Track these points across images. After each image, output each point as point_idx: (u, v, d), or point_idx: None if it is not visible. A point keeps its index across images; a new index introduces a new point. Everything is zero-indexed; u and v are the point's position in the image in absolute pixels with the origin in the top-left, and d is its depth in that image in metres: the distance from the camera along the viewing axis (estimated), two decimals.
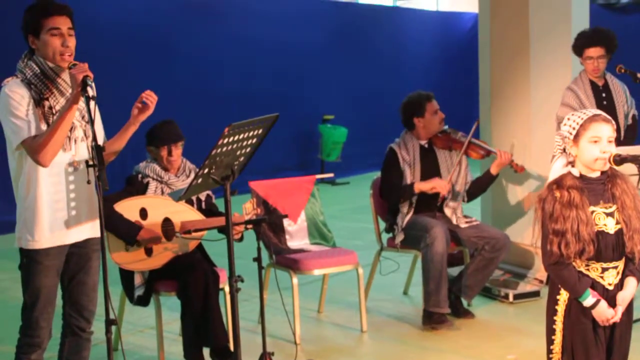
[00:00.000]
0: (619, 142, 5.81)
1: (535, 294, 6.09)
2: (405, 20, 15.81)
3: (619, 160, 3.37)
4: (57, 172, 3.63)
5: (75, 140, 3.67)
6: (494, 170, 5.83)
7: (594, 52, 5.84)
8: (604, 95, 5.96)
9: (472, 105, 11.38)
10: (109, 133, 3.89)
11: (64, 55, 3.59)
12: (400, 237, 5.76)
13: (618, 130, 5.91)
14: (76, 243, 3.73)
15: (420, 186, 5.68)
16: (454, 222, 5.79)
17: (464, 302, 5.85)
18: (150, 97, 3.69)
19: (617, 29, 6.05)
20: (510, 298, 6.05)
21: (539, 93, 6.45)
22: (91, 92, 3.44)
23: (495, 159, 5.80)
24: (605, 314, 3.36)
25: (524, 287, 6.19)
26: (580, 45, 5.88)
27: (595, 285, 3.39)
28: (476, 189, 5.95)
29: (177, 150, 4.98)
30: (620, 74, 6.03)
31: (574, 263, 3.37)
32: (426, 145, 5.88)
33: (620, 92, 6.02)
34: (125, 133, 3.79)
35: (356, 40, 14.42)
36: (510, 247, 5.76)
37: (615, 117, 5.88)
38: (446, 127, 5.92)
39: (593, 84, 5.94)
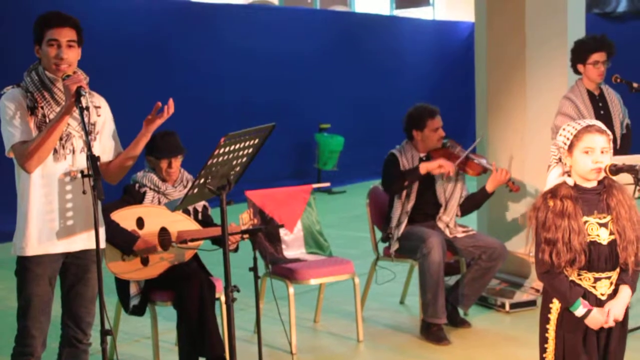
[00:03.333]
0: (615, 151, 5.81)
1: (532, 303, 6.08)
2: (402, 29, 15.83)
3: (615, 170, 3.38)
4: (49, 183, 3.65)
5: (73, 151, 3.69)
6: (489, 188, 5.80)
7: (599, 56, 5.84)
8: (600, 104, 5.96)
9: (469, 113, 11.40)
10: None
11: (59, 66, 3.63)
12: (395, 247, 5.75)
13: (615, 139, 5.92)
14: (75, 254, 3.75)
15: (427, 165, 5.65)
16: (448, 234, 5.79)
17: (461, 312, 5.85)
18: (171, 108, 3.71)
19: (613, 38, 6.05)
20: (507, 307, 6.05)
21: (535, 103, 6.46)
22: (85, 102, 3.46)
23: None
24: (598, 321, 3.36)
25: (521, 296, 6.18)
26: (586, 50, 5.86)
27: (587, 295, 3.39)
28: (470, 205, 5.94)
29: (177, 163, 4.98)
30: (617, 83, 6.04)
31: (566, 272, 3.38)
32: (424, 158, 5.87)
33: (615, 101, 6.02)
34: (137, 146, 3.81)
35: (353, 49, 14.44)
36: (507, 257, 5.75)
37: (611, 127, 5.88)
38: (446, 140, 5.91)
39: (590, 94, 5.95)
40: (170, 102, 3.69)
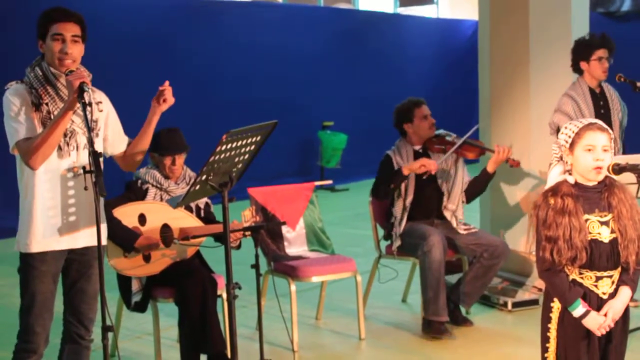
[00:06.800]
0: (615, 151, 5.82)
1: (534, 302, 6.07)
2: (406, 27, 15.82)
3: (618, 169, 3.37)
4: (53, 178, 3.65)
5: (76, 148, 3.69)
6: (490, 168, 5.77)
7: (603, 52, 5.86)
8: (601, 103, 5.96)
9: (472, 112, 11.39)
10: None
11: (63, 61, 3.63)
12: (397, 243, 5.75)
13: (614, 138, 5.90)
14: (77, 250, 3.74)
15: (410, 166, 5.64)
16: (454, 224, 5.78)
17: (463, 310, 5.84)
18: (167, 91, 3.74)
19: (617, 37, 6.06)
20: (509, 306, 6.04)
21: (539, 103, 6.44)
22: (88, 98, 3.46)
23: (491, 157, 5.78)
24: (597, 322, 3.35)
25: (523, 295, 6.18)
26: (590, 46, 5.87)
27: (589, 294, 3.38)
28: (474, 190, 5.91)
29: (180, 160, 4.99)
30: (620, 82, 6.03)
31: (567, 271, 3.37)
32: (420, 150, 5.88)
33: (615, 100, 6.03)
34: (148, 127, 3.83)
35: (356, 47, 14.43)
36: (509, 255, 5.75)
37: (611, 126, 5.88)
38: (441, 130, 5.92)
39: (592, 92, 5.94)
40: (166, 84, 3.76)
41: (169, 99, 3.76)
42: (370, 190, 5.94)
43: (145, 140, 3.87)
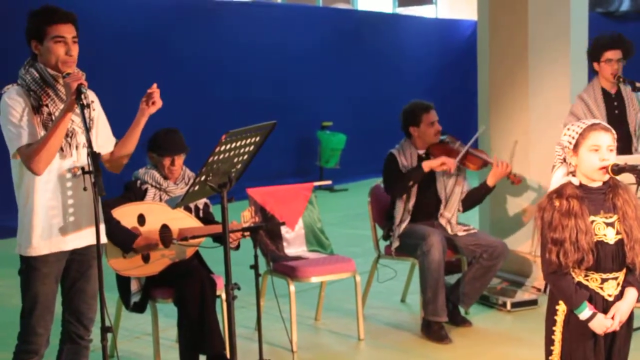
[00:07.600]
0: (629, 151, 5.81)
1: (533, 302, 6.08)
2: (405, 27, 15.82)
3: (617, 169, 3.36)
4: (54, 179, 3.64)
5: (76, 147, 3.68)
6: (490, 182, 5.78)
7: (613, 54, 5.83)
8: (615, 104, 5.93)
9: (471, 112, 11.37)
10: None
11: (68, 64, 3.60)
12: (395, 244, 5.75)
13: (628, 139, 5.89)
14: (77, 250, 3.73)
15: (430, 163, 5.65)
16: (450, 231, 5.78)
17: (462, 311, 5.84)
18: (155, 93, 3.71)
19: None
20: (508, 306, 6.04)
21: (537, 103, 6.45)
22: (86, 100, 3.44)
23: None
24: (603, 325, 3.34)
25: (522, 295, 6.17)
26: (600, 47, 5.85)
27: (594, 297, 3.37)
28: (471, 200, 5.92)
29: (179, 160, 4.98)
30: (619, 83, 6.01)
31: (573, 273, 3.36)
32: (424, 155, 5.87)
33: (633, 99, 5.99)
34: (136, 128, 3.79)
35: (355, 47, 14.43)
36: (508, 255, 5.74)
37: (625, 126, 5.86)
38: (445, 136, 5.91)
39: (605, 93, 5.92)
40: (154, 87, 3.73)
41: (158, 101, 3.72)
42: (385, 189, 5.89)
43: (132, 143, 3.82)
